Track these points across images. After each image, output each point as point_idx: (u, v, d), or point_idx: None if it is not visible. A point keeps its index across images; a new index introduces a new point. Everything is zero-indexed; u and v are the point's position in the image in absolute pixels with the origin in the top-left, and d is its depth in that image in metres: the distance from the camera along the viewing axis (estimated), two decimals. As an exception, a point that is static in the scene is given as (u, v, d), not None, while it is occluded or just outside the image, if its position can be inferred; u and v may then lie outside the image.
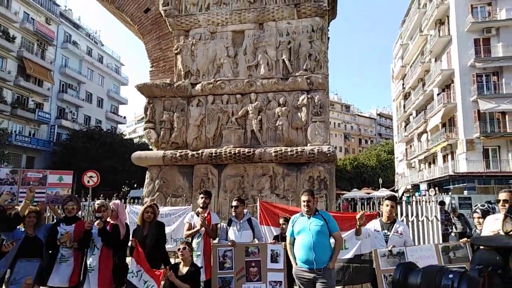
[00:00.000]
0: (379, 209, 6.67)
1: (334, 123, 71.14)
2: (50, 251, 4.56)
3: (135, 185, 29.10)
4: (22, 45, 34.01)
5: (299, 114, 7.99)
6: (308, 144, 7.84)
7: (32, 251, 4.48)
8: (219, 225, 5.74)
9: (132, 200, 8.61)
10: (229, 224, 5.19)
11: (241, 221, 5.17)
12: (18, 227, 4.55)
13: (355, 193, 31.16)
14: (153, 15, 8.99)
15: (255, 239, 5.15)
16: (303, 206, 4.44)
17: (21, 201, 4.84)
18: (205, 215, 5.23)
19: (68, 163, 29.43)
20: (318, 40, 8.12)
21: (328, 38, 9.44)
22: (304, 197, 4.45)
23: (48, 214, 6.29)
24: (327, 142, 7.84)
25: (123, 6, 9.13)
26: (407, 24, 40.28)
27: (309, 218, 4.39)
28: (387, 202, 4.68)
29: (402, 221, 6.67)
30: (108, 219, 4.87)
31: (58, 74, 38.23)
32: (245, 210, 5.31)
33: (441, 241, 6.49)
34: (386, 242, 4.50)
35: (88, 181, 14.13)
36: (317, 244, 4.20)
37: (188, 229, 5.29)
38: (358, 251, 5.81)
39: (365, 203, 9.42)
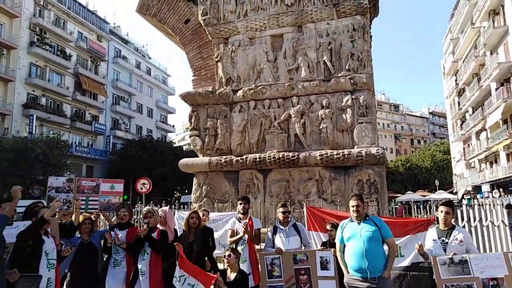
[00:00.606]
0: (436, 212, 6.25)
1: (383, 123, 68.75)
2: (106, 256, 4.77)
3: (186, 191, 29.99)
4: (77, 62, 36.51)
5: (343, 115, 7.75)
6: (355, 147, 7.57)
7: (87, 256, 4.73)
8: (264, 230, 5.68)
9: (181, 206, 8.82)
10: (274, 232, 5.09)
11: (287, 227, 5.06)
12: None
13: (410, 196, 29.72)
14: (193, 25, 9.20)
15: (302, 245, 5.02)
16: (352, 211, 4.26)
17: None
18: (247, 221, 5.19)
19: (123, 171, 30.99)
20: (360, 39, 7.84)
21: (371, 36, 9.10)
22: (352, 202, 4.28)
23: (102, 222, 6.58)
24: (375, 144, 7.52)
25: (165, 19, 9.43)
26: (457, 18, 38.08)
27: (359, 223, 4.20)
28: (441, 208, 4.34)
29: (463, 227, 6.18)
30: (158, 225, 5.00)
31: (111, 87, 40.55)
32: (290, 216, 5.21)
33: (510, 249, 5.90)
34: (445, 250, 4.14)
35: (141, 188, 14.80)
36: (370, 251, 4.00)
37: (231, 236, 5.29)
38: (416, 259, 5.43)
39: (421, 206, 8.90)
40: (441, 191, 34.82)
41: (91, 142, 37.47)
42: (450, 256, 4.02)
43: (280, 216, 5.10)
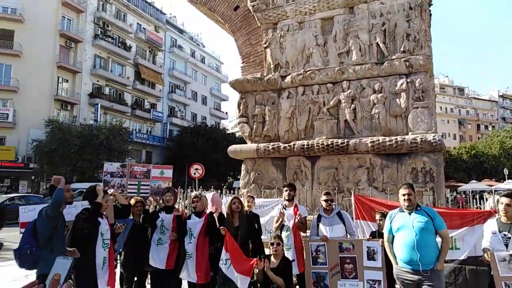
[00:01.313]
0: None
1: (446, 108, 64.49)
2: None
3: (238, 177, 30.66)
4: (137, 52, 38.36)
5: (397, 100, 7.34)
6: (410, 133, 7.16)
7: (139, 236, 5.02)
8: (310, 218, 5.62)
9: (231, 191, 9.01)
10: (318, 220, 5.03)
11: (331, 215, 4.96)
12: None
13: (474, 185, 27.69)
14: (242, 12, 9.18)
15: (347, 234, 4.90)
16: (403, 200, 4.03)
17: (129, 192, 5.42)
18: (294, 210, 5.15)
19: (179, 157, 32.36)
20: (417, 18, 7.31)
21: (430, 14, 8.44)
22: (403, 191, 4.06)
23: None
24: (432, 130, 7.04)
25: (214, 7, 9.51)
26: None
27: (410, 213, 3.99)
28: (502, 199, 3.97)
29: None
30: (211, 209, 5.15)
31: (168, 76, 42.17)
32: (334, 204, 5.10)
33: None
34: (506, 246, 3.80)
35: (194, 173, 15.36)
36: (422, 243, 3.79)
37: (277, 222, 5.29)
38: (473, 252, 5.08)
39: (484, 197, 8.25)
40: (510, 180, 31.99)
41: (150, 129, 39.47)
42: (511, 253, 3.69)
43: (323, 204, 5.01)
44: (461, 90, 71.36)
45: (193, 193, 5.34)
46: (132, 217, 5.12)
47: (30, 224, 4.14)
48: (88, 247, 4.08)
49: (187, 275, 4.82)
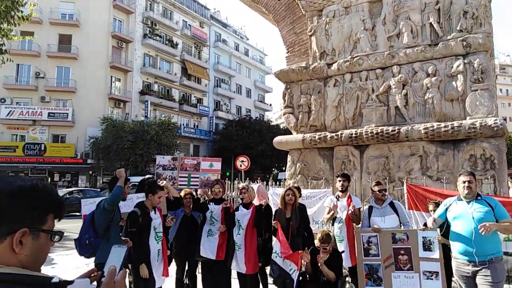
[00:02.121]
0: None
1: (507, 90, 59.65)
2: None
3: (283, 168, 30.68)
4: (183, 49, 39.34)
5: (453, 83, 6.87)
6: (467, 117, 6.69)
7: (189, 227, 5.17)
8: (361, 209, 5.46)
9: (276, 183, 9.01)
10: (370, 211, 4.84)
11: (383, 206, 4.76)
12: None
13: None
14: (285, 1, 9.03)
15: (401, 224, 4.69)
16: (463, 188, 3.79)
17: (180, 184, 5.58)
18: (347, 201, 5.01)
19: (225, 150, 32.95)
20: (475, -8, 6.77)
21: (491, -13, 7.78)
22: (463, 178, 3.82)
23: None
24: (493, 114, 6.53)
25: (258, -3, 9.46)
26: None
27: (469, 202, 3.75)
28: None
29: None
30: (256, 201, 5.17)
31: (213, 71, 42.89)
32: (386, 193, 4.88)
33: None
34: None
35: (240, 165, 15.55)
36: (480, 235, 3.53)
37: (328, 213, 5.19)
38: None
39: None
40: None
41: (197, 123, 40.48)
42: None
43: (375, 193, 4.81)
44: (525, 70, 65.55)
45: (240, 185, 5.38)
46: (182, 209, 5.28)
47: (88, 216, 4.40)
48: (142, 239, 4.24)
49: (236, 265, 4.89)
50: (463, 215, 3.74)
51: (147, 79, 35.54)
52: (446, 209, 3.96)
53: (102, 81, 31.63)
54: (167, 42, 37.46)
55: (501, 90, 56.01)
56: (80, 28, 31.37)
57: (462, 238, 3.70)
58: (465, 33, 6.79)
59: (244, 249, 4.83)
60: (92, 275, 1.23)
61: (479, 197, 3.79)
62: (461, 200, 3.85)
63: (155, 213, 4.44)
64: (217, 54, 44.21)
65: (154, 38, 35.91)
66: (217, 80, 43.87)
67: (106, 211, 4.19)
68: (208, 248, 4.98)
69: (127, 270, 4.07)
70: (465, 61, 6.78)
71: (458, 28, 6.88)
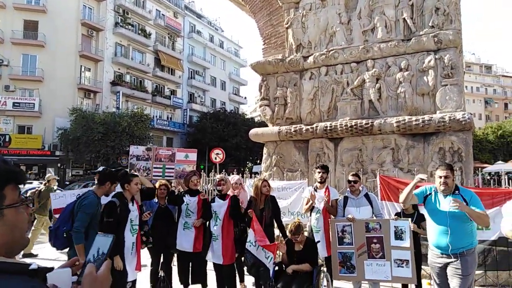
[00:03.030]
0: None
1: (472, 87, 62.23)
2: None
3: (258, 161, 30.80)
4: (156, 39, 38.44)
5: (425, 78, 7.08)
6: (437, 111, 6.92)
7: (164, 219, 5.09)
8: (338, 200, 5.56)
9: (251, 175, 9.02)
10: (345, 201, 4.94)
11: (358, 197, 4.88)
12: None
13: (500, 166, 26.80)
14: (263, -9, 8.98)
15: (374, 216, 4.82)
16: (439, 183, 3.71)
17: (155, 175, 5.48)
18: (324, 193, 5.08)
19: (199, 143, 32.66)
20: (447, -11, 6.97)
21: (461, -15, 8.04)
22: (440, 172, 3.72)
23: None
24: (461, 108, 6.78)
25: (234, -13, 9.35)
26: None
27: (445, 196, 3.72)
28: None
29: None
30: (231, 192, 5.16)
31: (187, 62, 42.22)
32: (361, 186, 4.99)
33: None
34: None
35: (215, 158, 15.45)
36: (454, 229, 3.60)
37: (307, 204, 5.25)
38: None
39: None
40: (539, 161, 30.76)
41: (170, 116, 39.84)
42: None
43: (348, 185, 4.91)
44: (489, 68, 68.54)
45: (218, 176, 5.35)
46: (156, 200, 5.19)
47: (69, 206, 4.18)
48: (118, 233, 4.13)
49: (213, 256, 4.89)
50: (439, 208, 3.74)
51: (119, 69, 34.55)
52: (425, 197, 3.91)
53: (71, 70, 30.45)
54: (139, 32, 36.49)
55: (466, 87, 58.34)
56: (47, 14, 29.99)
57: (437, 231, 3.73)
58: (436, 29, 6.99)
59: (221, 240, 4.83)
60: (75, 265, 1.14)
61: (456, 191, 3.74)
62: (438, 192, 3.82)
63: (133, 205, 4.34)
64: (191, 45, 43.53)
65: (126, 27, 34.88)
66: (191, 71, 43.26)
67: (87, 214, 4.00)
68: (185, 241, 4.94)
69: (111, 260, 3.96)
70: (436, 56, 6.99)
71: (430, 24, 7.08)
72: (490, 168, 27.63)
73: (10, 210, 0.97)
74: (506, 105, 66.24)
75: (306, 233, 4.97)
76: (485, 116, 62.57)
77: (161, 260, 5.24)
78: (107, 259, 1.11)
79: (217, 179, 5.21)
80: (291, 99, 8.30)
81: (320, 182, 5.26)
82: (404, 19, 7.31)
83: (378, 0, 7.54)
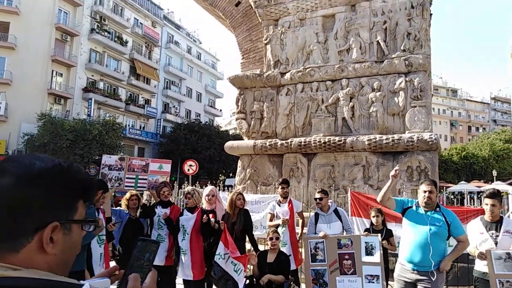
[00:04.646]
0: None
1: (438, 109, 64.98)
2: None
3: (231, 174, 30.66)
4: (133, 48, 37.98)
5: (395, 99, 7.38)
6: (407, 131, 7.21)
7: (134, 231, 4.96)
8: (306, 215, 5.64)
9: (225, 188, 8.99)
10: (316, 218, 5.00)
11: (328, 213, 4.97)
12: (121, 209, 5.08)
13: (463, 186, 27.91)
14: (243, 7, 9.15)
15: (344, 231, 4.91)
16: (423, 197, 3.70)
17: (127, 186, 5.36)
18: (287, 217, 5.15)
19: (172, 154, 32.20)
20: (418, 17, 7.36)
21: (431, 14, 8.49)
22: (425, 187, 3.71)
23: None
24: (429, 129, 7.10)
25: (216, 2, 9.47)
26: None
27: (426, 212, 3.73)
28: (487, 201, 3.96)
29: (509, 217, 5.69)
30: (206, 205, 5.09)
31: (163, 72, 41.85)
32: (329, 201, 5.09)
33: None
34: (496, 244, 3.80)
35: (188, 169, 15.29)
36: (431, 247, 3.60)
37: (271, 220, 5.30)
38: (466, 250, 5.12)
39: (475, 197, 8.39)
40: (499, 182, 32.28)
41: (143, 125, 39.15)
42: (509, 251, 3.71)
43: (316, 203, 5.01)
44: (454, 91, 71.96)
45: (187, 188, 5.30)
46: (127, 211, 5.06)
47: None
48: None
49: (182, 272, 4.77)
50: (419, 224, 3.73)
51: (92, 76, 33.79)
52: (405, 209, 3.89)
53: (41, 74, 29.48)
54: (116, 39, 35.96)
55: (433, 109, 60.92)
56: (20, 16, 29.07)
57: (413, 245, 3.72)
58: (407, 53, 7.33)
59: (190, 255, 4.72)
60: (114, 274, 1.04)
61: (437, 208, 3.74)
62: (418, 207, 3.82)
63: (98, 214, 4.22)
64: (168, 56, 43.26)
65: (102, 33, 34.31)
66: (167, 81, 42.88)
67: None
68: (159, 255, 4.81)
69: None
70: (407, 79, 7.32)
71: (402, 48, 7.42)
72: (454, 187, 28.71)
73: (78, 227, 0.91)
74: (469, 127, 69.47)
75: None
76: (450, 138, 65.28)
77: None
78: (152, 269, 1.00)
79: (185, 192, 5.15)
80: (268, 114, 8.40)
81: (285, 197, 5.35)
82: (378, 41, 7.63)
83: (354, 22, 7.84)
